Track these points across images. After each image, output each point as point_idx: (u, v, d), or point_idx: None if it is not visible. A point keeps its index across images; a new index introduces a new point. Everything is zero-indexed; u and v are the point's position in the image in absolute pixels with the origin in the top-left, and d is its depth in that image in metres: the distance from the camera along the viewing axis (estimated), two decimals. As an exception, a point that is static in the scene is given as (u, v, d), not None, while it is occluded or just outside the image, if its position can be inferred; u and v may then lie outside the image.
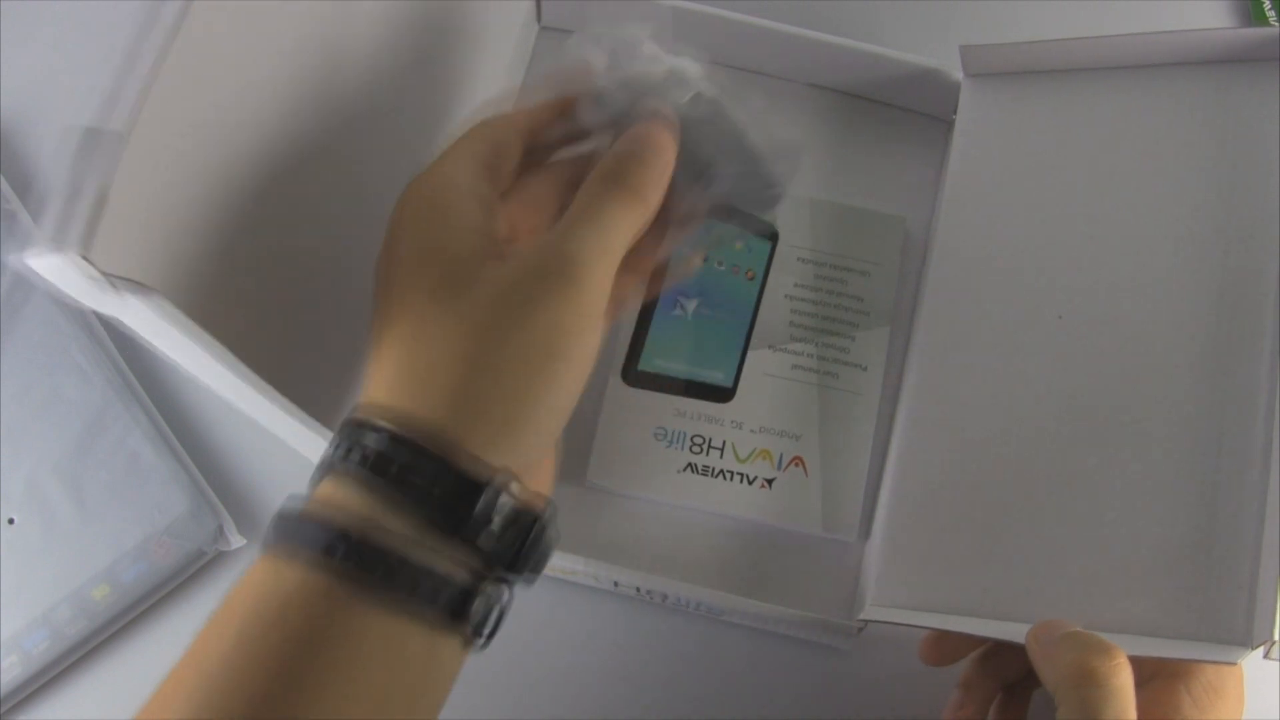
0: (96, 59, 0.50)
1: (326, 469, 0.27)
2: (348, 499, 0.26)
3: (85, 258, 0.25)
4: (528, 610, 0.40)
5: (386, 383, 0.28)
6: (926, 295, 0.42)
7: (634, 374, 0.43)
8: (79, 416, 0.42)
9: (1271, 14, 0.48)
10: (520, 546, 0.27)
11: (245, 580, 0.26)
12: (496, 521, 0.26)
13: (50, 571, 0.40)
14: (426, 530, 0.26)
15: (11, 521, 0.41)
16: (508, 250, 0.30)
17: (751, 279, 0.44)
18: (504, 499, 0.26)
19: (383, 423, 0.26)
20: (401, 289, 0.29)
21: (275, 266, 0.35)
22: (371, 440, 0.26)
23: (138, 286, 0.26)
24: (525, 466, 0.27)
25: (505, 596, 0.27)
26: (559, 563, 0.39)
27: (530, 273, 0.28)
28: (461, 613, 0.26)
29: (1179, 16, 0.49)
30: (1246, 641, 0.32)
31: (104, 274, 0.25)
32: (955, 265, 0.42)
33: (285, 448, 0.36)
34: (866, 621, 0.37)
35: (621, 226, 0.30)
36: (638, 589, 0.39)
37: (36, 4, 0.50)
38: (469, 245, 0.29)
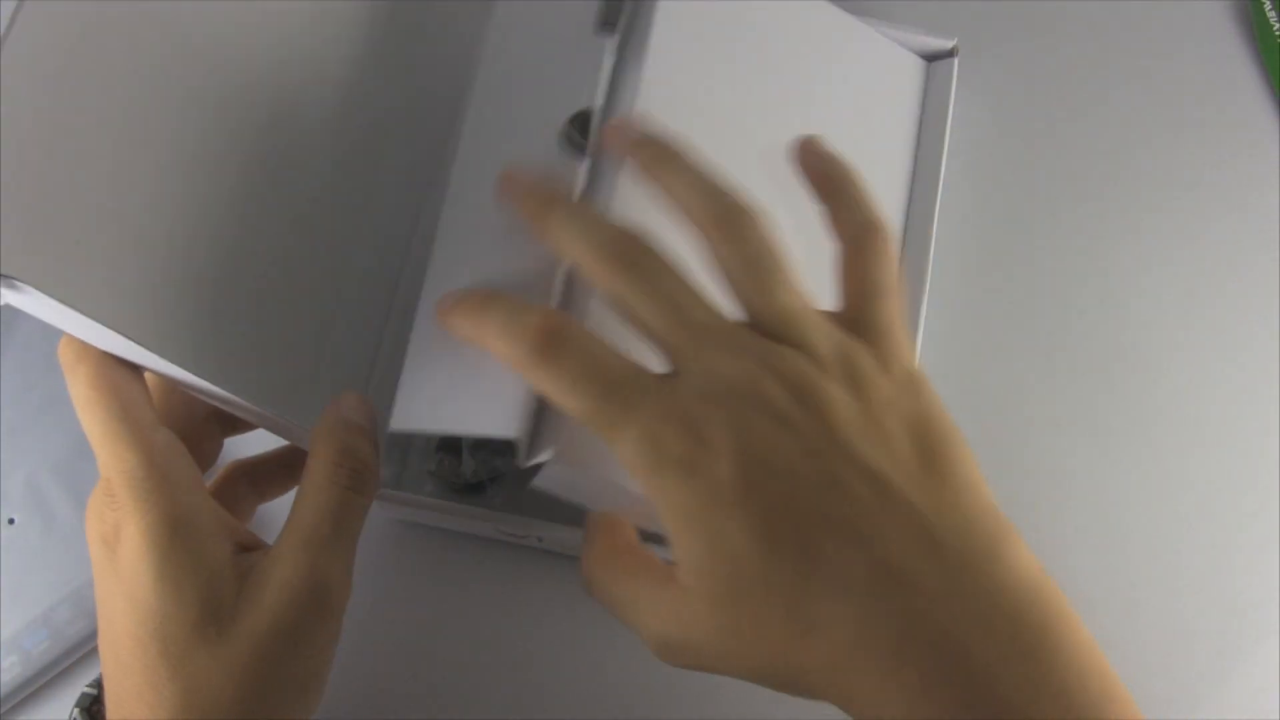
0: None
1: None
2: None
3: None
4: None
5: None
6: None
7: None
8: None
9: (1272, 14, 0.48)
10: None
11: None
12: None
13: (50, 571, 0.40)
14: None
15: (11, 521, 0.41)
16: (247, 566, 0.31)
17: None
18: None
19: None
20: (155, 646, 0.30)
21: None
22: None
23: (8, 281, 0.26)
24: None
25: None
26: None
27: (291, 610, 0.30)
28: None
29: (1179, 16, 0.49)
30: None
31: None
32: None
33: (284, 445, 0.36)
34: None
35: (358, 527, 0.32)
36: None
37: (37, 3, 0.50)
38: (215, 591, 0.30)
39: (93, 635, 0.40)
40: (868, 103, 0.43)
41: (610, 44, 0.39)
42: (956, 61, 0.43)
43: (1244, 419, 0.43)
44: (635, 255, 0.30)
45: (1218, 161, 0.46)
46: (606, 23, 0.38)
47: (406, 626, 0.40)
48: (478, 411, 0.34)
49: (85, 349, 0.30)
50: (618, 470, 0.30)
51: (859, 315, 0.31)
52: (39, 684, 0.40)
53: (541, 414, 0.33)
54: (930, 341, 0.40)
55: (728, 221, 0.30)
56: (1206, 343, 0.44)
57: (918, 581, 0.27)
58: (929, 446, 0.29)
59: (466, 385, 0.35)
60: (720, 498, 0.27)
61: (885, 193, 0.41)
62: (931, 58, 0.44)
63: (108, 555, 0.30)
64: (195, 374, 0.31)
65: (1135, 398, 0.43)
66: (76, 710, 0.34)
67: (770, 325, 0.29)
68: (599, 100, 0.38)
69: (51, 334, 0.44)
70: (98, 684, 0.35)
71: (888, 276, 0.31)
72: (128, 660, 0.30)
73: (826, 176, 0.33)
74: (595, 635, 0.41)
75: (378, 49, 0.40)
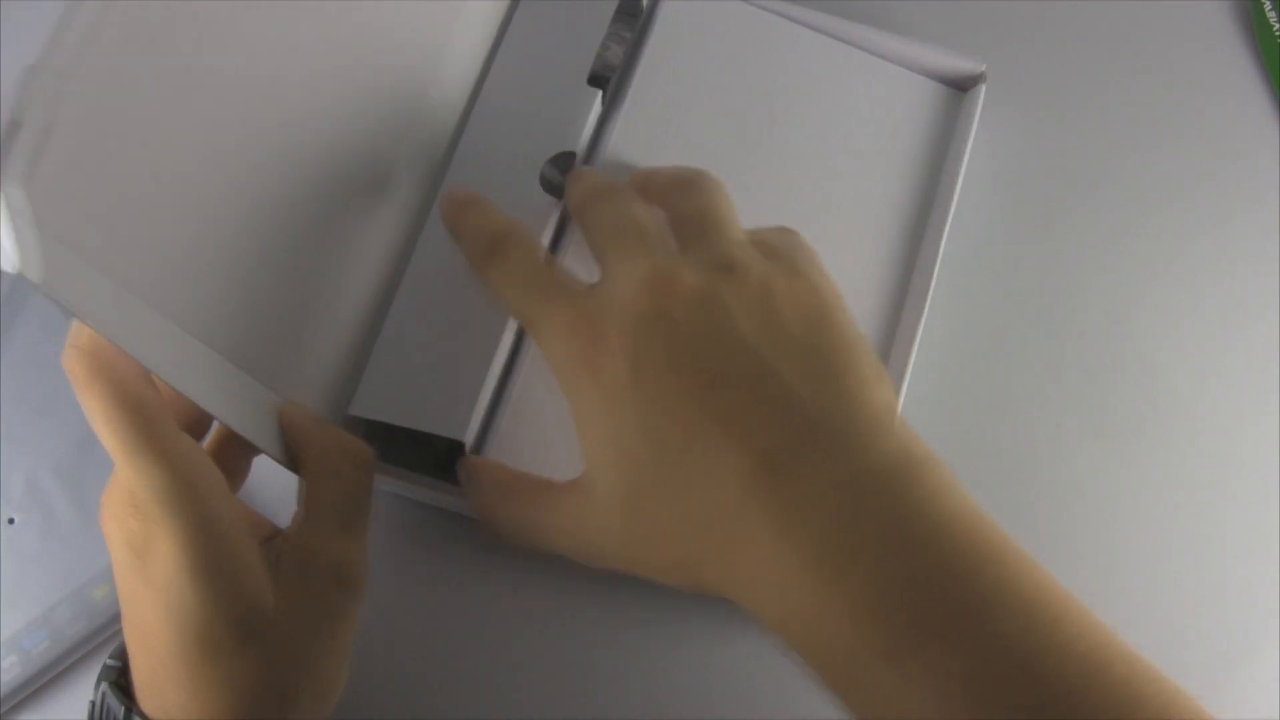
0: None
1: None
2: None
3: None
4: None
5: None
6: None
7: None
8: (79, 416, 0.42)
9: (1272, 14, 0.48)
10: None
11: None
12: None
13: (50, 571, 0.40)
14: None
15: (11, 521, 0.41)
16: (274, 556, 0.31)
17: None
18: None
19: None
20: (198, 649, 0.30)
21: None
22: None
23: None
24: None
25: None
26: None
27: (326, 598, 0.31)
28: None
29: (1179, 17, 0.49)
30: None
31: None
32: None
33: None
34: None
35: (370, 505, 0.33)
36: None
37: (37, 4, 0.50)
38: (252, 596, 0.30)
39: (93, 635, 0.40)
40: (862, 132, 0.42)
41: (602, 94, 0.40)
42: (983, 88, 0.42)
43: (1245, 420, 0.43)
44: (601, 184, 0.34)
45: (1218, 161, 0.46)
46: (596, 79, 0.40)
47: (386, 598, 0.40)
48: (436, 410, 0.36)
49: (96, 364, 0.30)
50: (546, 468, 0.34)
51: (766, 239, 0.33)
52: (39, 684, 0.40)
53: (491, 417, 0.36)
54: (931, 342, 0.41)
55: (685, 180, 0.34)
56: (1207, 343, 0.44)
57: (797, 468, 0.27)
58: (822, 344, 0.30)
59: (428, 381, 0.36)
60: (614, 395, 0.29)
61: (883, 212, 0.41)
62: (955, 81, 0.44)
63: (136, 563, 0.30)
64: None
65: (1136, 399, 0.43)
66: (106, 685, 0.33)
67: (692, 237, 0.32)
68: (583, 144, 0.39)
69: (51, 334, 0.44)
70: (120, 655, 0.34)
71: (727, 204, 0.34)
72: (167, 660, 0.30)
73: (640, 183, 0.36)
74: (571, 609, 0.41)
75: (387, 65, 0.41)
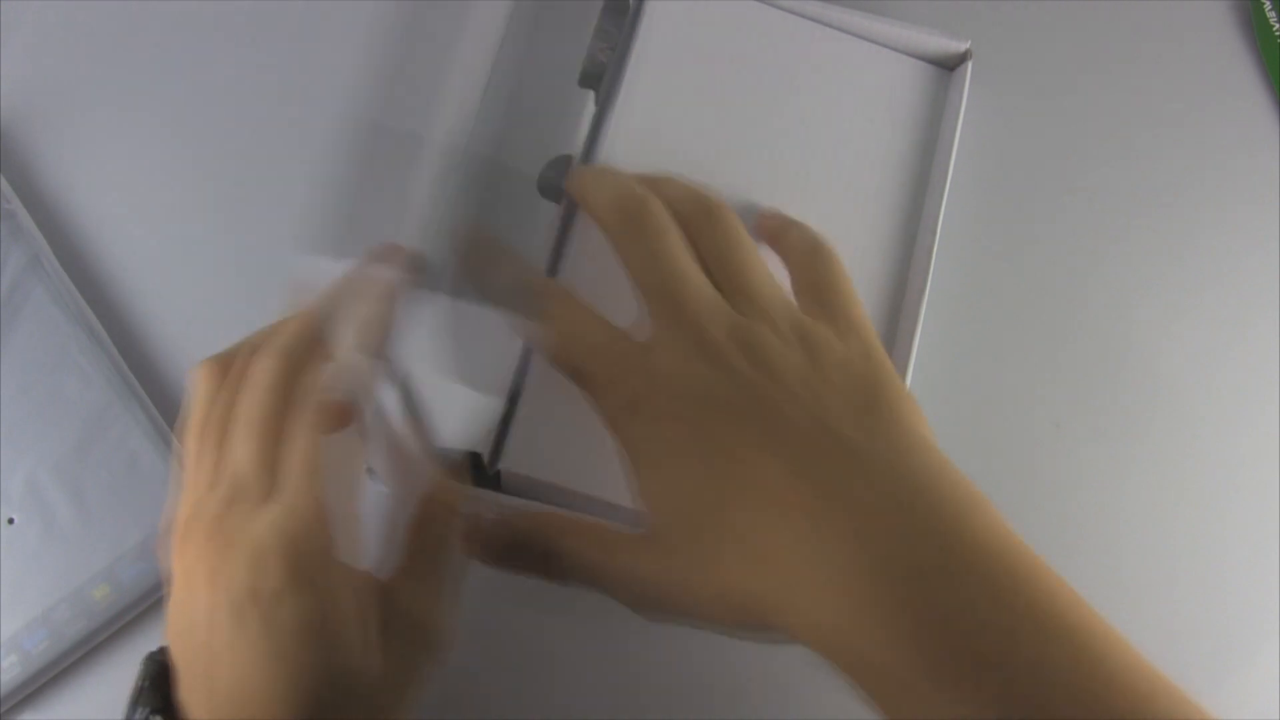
0: (98, 59, 0.50)
1: None
2: None
3: None
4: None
5: None
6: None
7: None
8: (79, 416, 0.42)
9: (1272, 14, 0.48)
10: None
11: None
12: None
13: (50, 571, 0.40)
14: None
15: (11, 521, 0.41)
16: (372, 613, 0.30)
17: None
18: None
19: None
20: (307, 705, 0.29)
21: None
22: None
23: None
24: None
25: None
26: None
27: (423, 659, 0.31)
28: None
29: (1179, 17, 0.49)
30: None
31: None
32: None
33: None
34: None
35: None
36: None
37: (37, 4, 0.50)
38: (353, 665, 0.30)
39: (93, 635, 0.40)
40: (853, 117, 0.42)
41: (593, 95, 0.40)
42: (970, 66, 0.42)
43: (1244, 419, 0.43)
44: (640, 214, 0.34)
45: (1218, 161, 0.46)
46: (586, 79, 0.40)
47: None
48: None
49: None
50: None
51: (817, 299, 0.34)
52: (39, 684, 0.40)
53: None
54: (931, 342, 0.41)
55: (706, 214, 0.34)
56: (1207, 343, 0.44)
57: (855, 504, 0.28)
58: (873, 398, 0.31)
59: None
60: (677, 449, 0.30)
61: (878, 199, 0.41)
62: (942, 61, 0.44)
63: (247, 607, 0.29)
64: None
65: (1135, 398, 0.43)
66: (148, 682, 0.31)
67: (739, 302, 0.33)
68: (579, 147, 0.39)
69: (51, 334, 0.44)
70: (165, 655, 0.32)
71: (842, 277, 0.35)
72: (249, 706, 0.29)
73: (773, 230, 0.37)
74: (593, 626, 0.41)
75: None
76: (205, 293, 0.46)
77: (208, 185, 0.48)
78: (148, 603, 0.41)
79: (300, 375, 0.33)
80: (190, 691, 0.30)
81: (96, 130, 0.48)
